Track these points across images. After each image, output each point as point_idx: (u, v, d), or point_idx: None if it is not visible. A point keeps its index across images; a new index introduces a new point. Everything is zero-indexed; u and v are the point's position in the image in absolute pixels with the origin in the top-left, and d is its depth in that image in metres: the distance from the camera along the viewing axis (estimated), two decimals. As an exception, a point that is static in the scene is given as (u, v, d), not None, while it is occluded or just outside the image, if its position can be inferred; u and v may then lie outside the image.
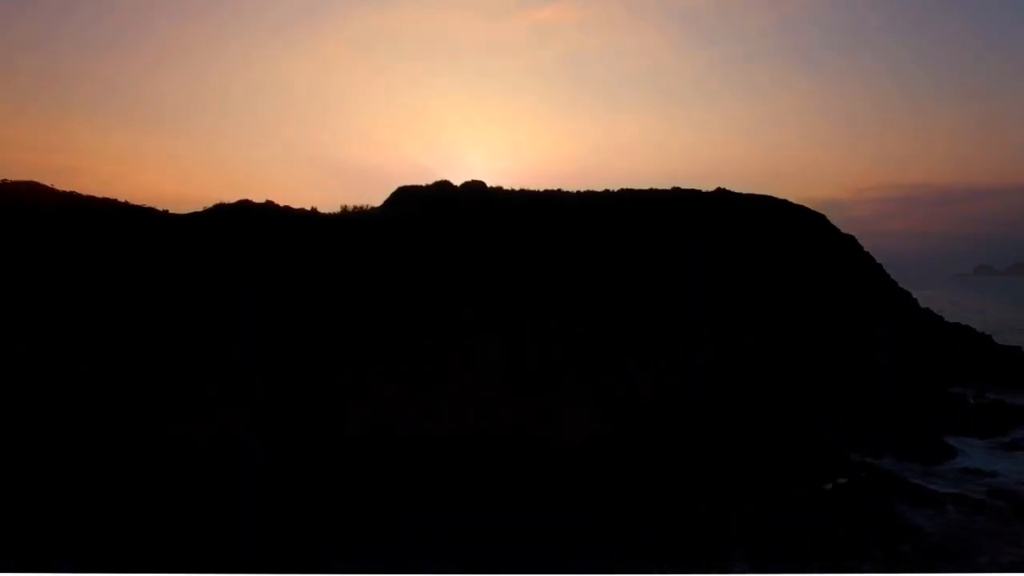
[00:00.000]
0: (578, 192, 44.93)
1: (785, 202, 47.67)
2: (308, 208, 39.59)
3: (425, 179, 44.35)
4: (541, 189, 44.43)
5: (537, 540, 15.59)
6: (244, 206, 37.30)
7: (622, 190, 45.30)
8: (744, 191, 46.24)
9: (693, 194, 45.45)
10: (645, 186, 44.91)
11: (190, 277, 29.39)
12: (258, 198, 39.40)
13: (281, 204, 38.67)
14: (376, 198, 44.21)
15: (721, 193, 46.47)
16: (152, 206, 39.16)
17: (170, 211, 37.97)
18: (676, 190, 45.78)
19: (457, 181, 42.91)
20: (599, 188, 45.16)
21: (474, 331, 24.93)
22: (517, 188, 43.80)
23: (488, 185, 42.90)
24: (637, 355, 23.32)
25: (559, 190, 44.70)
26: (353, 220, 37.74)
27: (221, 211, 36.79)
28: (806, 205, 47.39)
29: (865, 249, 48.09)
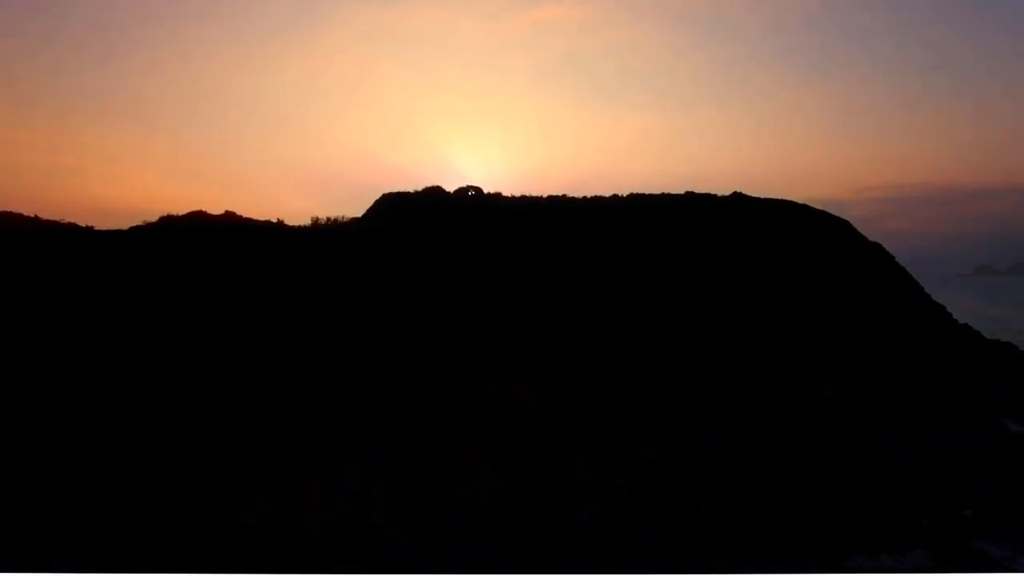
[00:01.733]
0: (584, 197, 41.42)
1: (805, 207, 44.36)
2: (275, 220, 36.42)
3: (413, 185, 40.95)
4: (544, 195, 40.68)
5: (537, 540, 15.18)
6: (233, 222, 34.86)
7: (631, 195, 41.84)
8: (755, 193, 43.19)
9: (707, 199, 42.04)
10: (654, 190, 40.93)
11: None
12: (241, 201, 36.65)
13: (246, 212, 35.83)
14: (358, 207, 40.46)
15: (737, 197, 42.96)
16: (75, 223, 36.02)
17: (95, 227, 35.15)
18: (689, 195, 42.27)
19: (450, 187, 38.93)
20: (606, 193, 41.19)
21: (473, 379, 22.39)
22: (517, 195, 40.15)
23: (485, 191, 39.46)
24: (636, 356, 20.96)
25: (564, 195, 41.23)
26: (326, 233, 33.99)
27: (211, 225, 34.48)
28: (807, 205, 44.57)
29: (898, 261, 44.96)
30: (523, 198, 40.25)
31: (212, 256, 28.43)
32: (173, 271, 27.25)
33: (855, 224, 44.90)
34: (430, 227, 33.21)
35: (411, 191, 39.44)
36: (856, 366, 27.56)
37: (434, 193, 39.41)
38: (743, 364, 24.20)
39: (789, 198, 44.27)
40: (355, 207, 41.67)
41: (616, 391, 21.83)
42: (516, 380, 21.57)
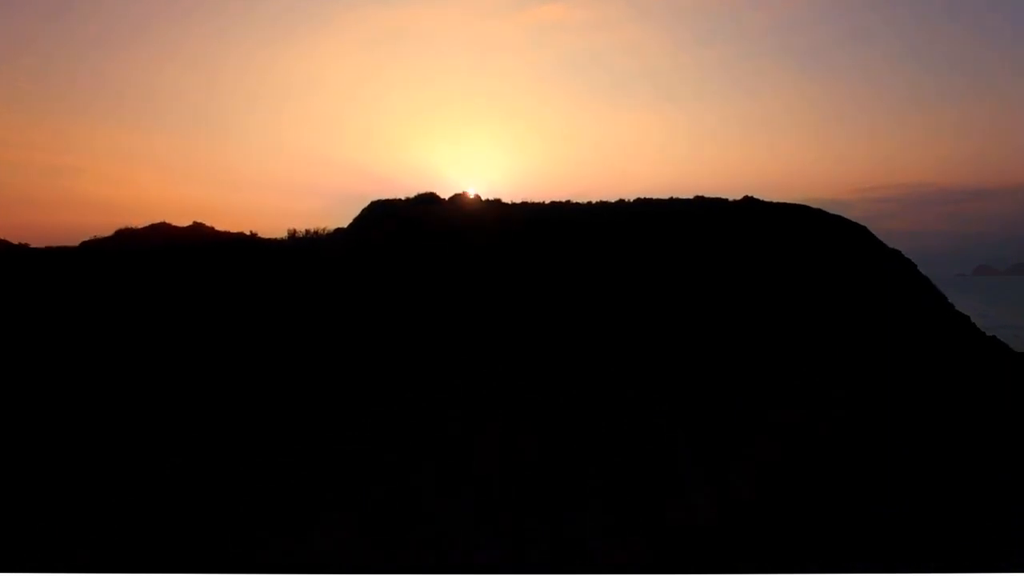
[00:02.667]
0: (589, 203, 38.82)
1: (820, 212, 41.58)
2: (248, 232, 34.01)
3: (410, 188, 38.29)
4: (546, 201, 38.14)
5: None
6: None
7: (638, 200, 39.29)
8: (757, 194, 40.83)
9: (719, 204, 39.44)
10: (657, 191, 39.72)
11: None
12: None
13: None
14: (356, 208, 37.87)
15: (748, 202, 40.24)
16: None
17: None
18: (699, 199, 39.70)
19: (447, 192, 36.65)
20: (611, 198, 38.97)
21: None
22: (518, 200, 37.74)
23: (484, 197, 37.26)
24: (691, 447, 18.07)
25: (568, 201, 38.60)
26: (299, 250, 31.53)
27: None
28: (806, 205, 42.22)
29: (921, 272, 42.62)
30: (524, 204, 37.62)
31: (159, 277, 25.62)
32: (115, 298, 24.55)
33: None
34: (418, 241, 30.55)
35: (403, 198, 36.94)
36: (878, 386, 25.13)
37: (427, 200, 36.76)
38: (777, 401, 21.30)
39: (789, 197, 42.08)
40: (354, 208, 39.62)
41: (633, 438, 19.03)
42: (516, 428, 18.78)
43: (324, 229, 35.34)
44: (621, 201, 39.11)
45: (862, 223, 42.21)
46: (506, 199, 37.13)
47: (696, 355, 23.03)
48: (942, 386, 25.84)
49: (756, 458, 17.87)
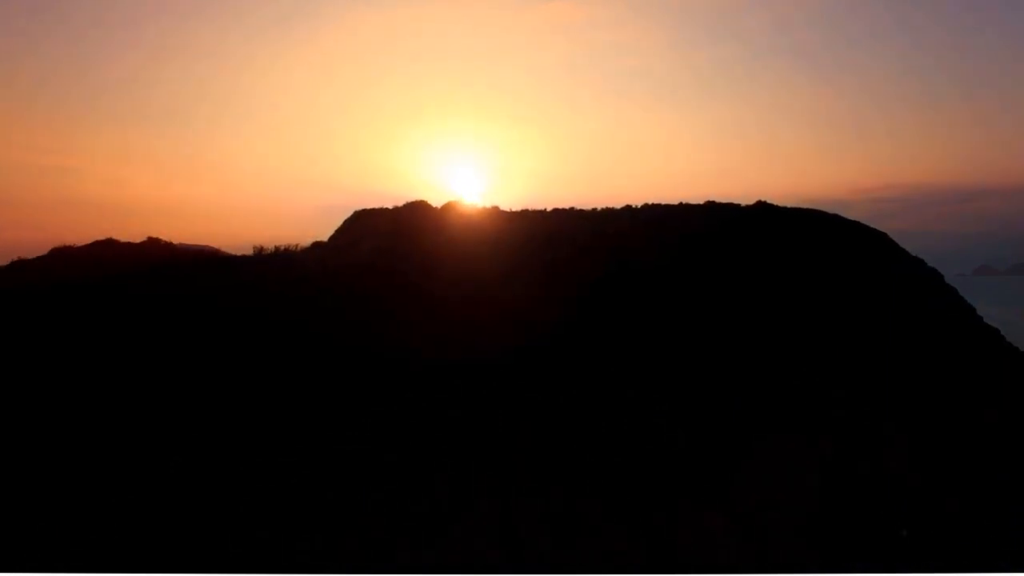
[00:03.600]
0: (594, 210, 36.61)
1: (837, 217, 40.31)
2: (212, 247, 32.16)
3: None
4: (548, 208, 35.96)
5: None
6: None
7: (645, 205, 37.25)
8: (758, 193, 39.77)
9: (732, 210, 37.20)
10: (661, 193, 38.65)
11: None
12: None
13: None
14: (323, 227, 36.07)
15: (762, 207, 37.81)
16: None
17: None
18: (710, 205, 37.58)
19: (442, 198, 34.80)
20: (615, 203, 36.78)
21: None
22: (517, 208, 35.56)
23: (481, 203, 35.88)
24: None
25: (572, 208, 36.44)
26: (259, 272, 28.41)
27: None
28: (806, 205, 40.61)
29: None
30: (524, 211, 35.46)
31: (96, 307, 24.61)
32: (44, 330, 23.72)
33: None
34: (407, 254, 28.70)
35: (390, 207, 34.66)
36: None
37: (417, 209, 34.52)
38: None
39: (789, 197, 41.29)
40: (348, 212, 38.27)
41: (633, 438, 18.96)
42: (516, 427, 18.64)
43: (295, 246, 32.29)
44: (628, 207, 37.26)
45: (862, 223, 41.41)
46: (505, 206, 35.59)
47: (696, 356, 22.94)
48: (942, 387, 25.77)
49: (756, 457, 17.87)
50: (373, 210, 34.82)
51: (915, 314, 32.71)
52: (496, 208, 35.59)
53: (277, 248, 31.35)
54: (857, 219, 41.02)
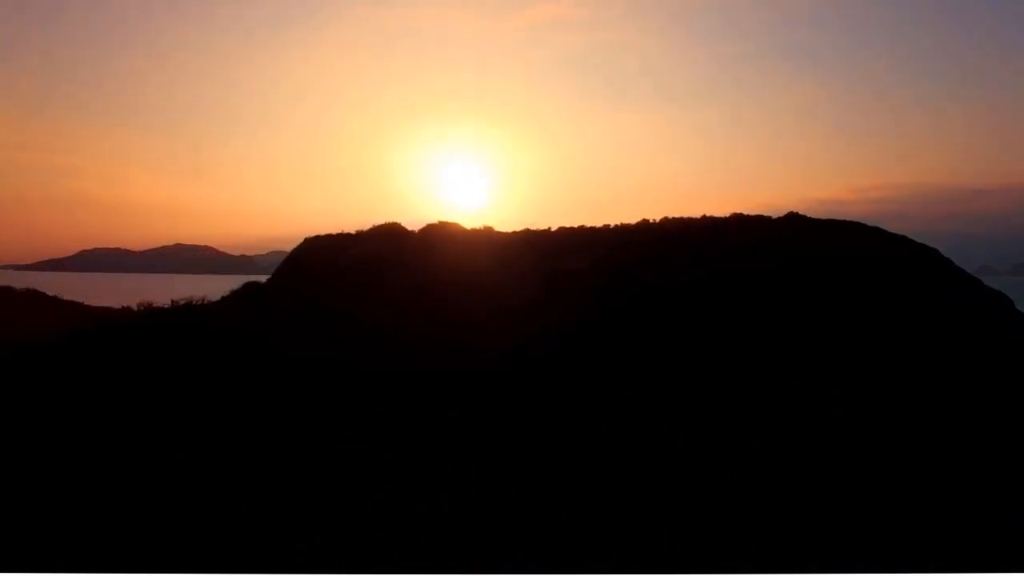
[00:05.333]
0: (606, 227, 33.85)
1: (877, 229, 38.26)
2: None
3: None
4: (553, 228, 32.97)
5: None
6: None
7: (665, 219, 35.64)
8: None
9: (762, 223, 35.82)
10: (683, 211, 35.94)
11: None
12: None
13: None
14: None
15: (794, 218, 36.91)
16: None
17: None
18: (737, 217, 36.31)
19: (426, 217, 32.18)
20: (629, 219, 35.63)
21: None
22: (517, 227, 32.84)
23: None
24: None
25: (582, 226, 33.39)
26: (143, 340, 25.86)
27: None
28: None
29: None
30: (525, 232, 32.05)
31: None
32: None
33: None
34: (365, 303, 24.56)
35: (354, 231, 30.51)
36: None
37: (388, 234, 29.39)
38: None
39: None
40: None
41: (633, 438, 18.79)
42: (516, 427, 18.46)
43: (204, 299, 29.58)
44: (644, 222, 35.85)
45: (861, 223, 40.00)
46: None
47: (696, 356, 22.86)
48: (943, 388, 25.61)
49: (756, 457, 17.78)
50: (327, 237, 30.16)
51: (920, 318, 32.11)
52: (489, 228, 32.18)
53: (186, 301, 30.13)
54: (857, 219, 39.56)
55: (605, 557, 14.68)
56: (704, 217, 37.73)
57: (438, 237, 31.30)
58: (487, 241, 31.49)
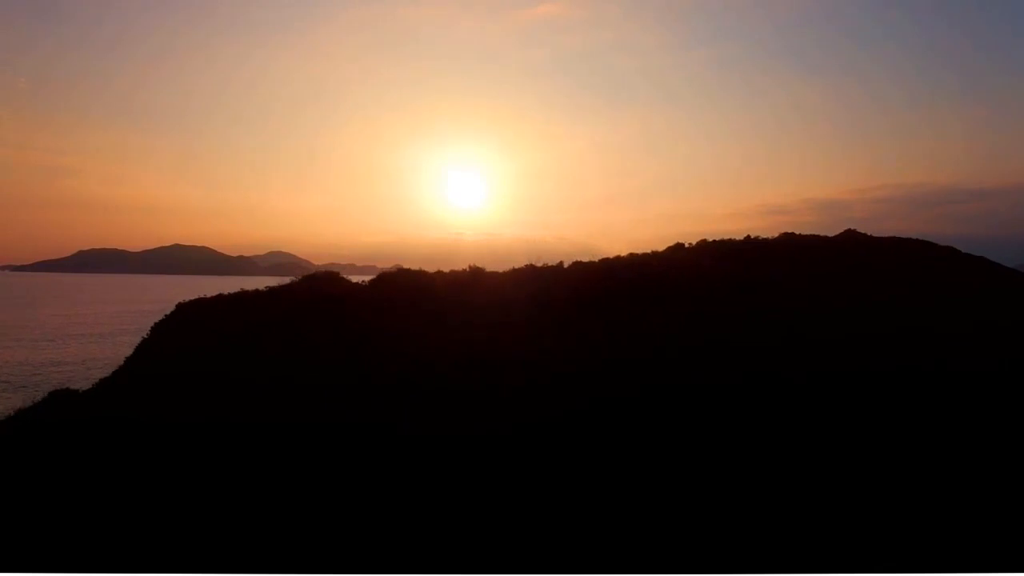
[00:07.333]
0: (618, 258, 28.65)
1: (929, 244, 35.83)
2: None
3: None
4: (566, 264, 28.54)
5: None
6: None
7: (703, 242, 32.31)
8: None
9: (821, 243, 32.59)
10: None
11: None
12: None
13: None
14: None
15: (852, 235, 34.25)
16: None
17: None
18: (787, 237, 33.20)
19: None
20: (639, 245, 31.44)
21: None
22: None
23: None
24: None
25: (616, 257, 29.03)
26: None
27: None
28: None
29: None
30: (512, 272, 27.84)
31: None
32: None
33: (855, 224, 39.18)
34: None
35: (254, 289, 25.36)
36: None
37: (321, 286, 23.02)
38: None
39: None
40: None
41: (634, 438, 18.71)
42: (515, 427, 18.31)
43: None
44: (679, 245, 32.84)
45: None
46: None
47: (697, 356, 22.83)
48: (943, 386, 25.58)
49: (755, 456, 17.77)
50: (204, 302, 23.62)
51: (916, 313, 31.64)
52: (480, 270, 27.03)
53: None
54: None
55: (606, 556, 14.67)
56: (748, 239, 34.91)
57: (393, 291, 23.95)
58: (473, 290, 24.13)
